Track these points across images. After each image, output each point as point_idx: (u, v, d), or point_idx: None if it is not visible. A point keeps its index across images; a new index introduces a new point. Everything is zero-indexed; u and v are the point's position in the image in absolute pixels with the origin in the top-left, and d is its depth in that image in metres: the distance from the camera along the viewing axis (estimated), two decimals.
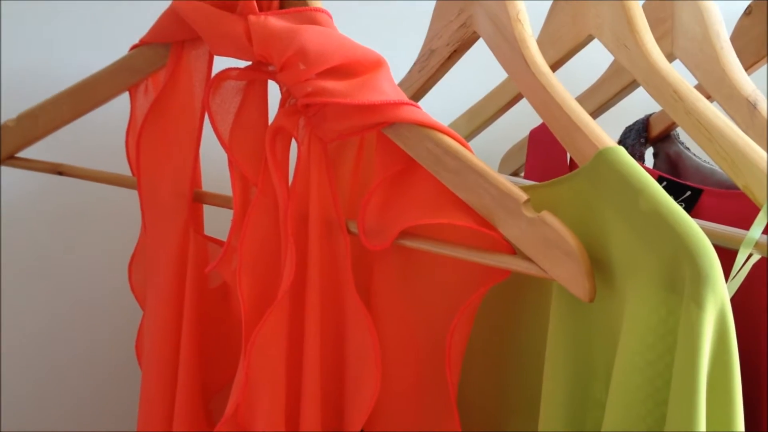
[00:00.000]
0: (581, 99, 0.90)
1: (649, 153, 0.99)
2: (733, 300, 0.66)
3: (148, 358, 0.70)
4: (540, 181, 0.91)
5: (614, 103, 0.88)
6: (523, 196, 0.55)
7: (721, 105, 0.68)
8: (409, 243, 0.59)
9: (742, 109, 0.66)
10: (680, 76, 0.64)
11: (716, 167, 0.90)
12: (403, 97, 0.58)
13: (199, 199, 0.68)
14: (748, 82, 0.67)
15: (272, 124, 0.60)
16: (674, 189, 0.78)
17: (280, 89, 0.62)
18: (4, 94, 0.89)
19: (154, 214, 0.69)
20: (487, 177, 0.56)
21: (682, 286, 0.48)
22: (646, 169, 0.84)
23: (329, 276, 0.61)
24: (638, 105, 0.96)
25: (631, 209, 0.51)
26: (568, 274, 0.53)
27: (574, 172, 0.56)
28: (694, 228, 0.48)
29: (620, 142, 0.99)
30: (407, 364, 0.62)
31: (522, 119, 0.93)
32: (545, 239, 0.54)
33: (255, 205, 0.62)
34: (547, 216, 0.54)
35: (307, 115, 0.60)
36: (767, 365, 0.66)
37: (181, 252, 0.67)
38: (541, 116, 0.61)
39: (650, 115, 0.97)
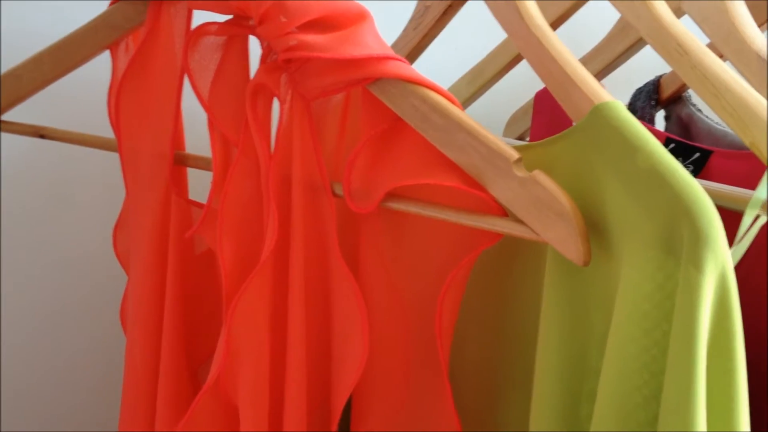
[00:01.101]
0: (587, 59, 0.86)
1: (660, 116, 0.95)
2: (740, 267, 0.63)
3: (132, 326, 0.67)
4: None
5: (621, 62, 0.84)
6: (514, 155, 0.51)
7: (730, 60, 0.64)
8: (396, 205, 0.57)
9: (752, 64, 0.62)
10: (686, 28, 0.60)
11: (729, 129, 0.86)
12: (389, 51, 0.55)
13: (180, 161, 0.65)
14: (759, 36, 0.63)
15: (252, 80, 0.57)
16: (682, 151, 0.75)
17: (261, 44, 0.59)
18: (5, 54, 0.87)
19: (134, 177, 0.66)
20: (477, 135, 0.52)
21: (681, 248, 0.45)
22: (652, 130, 0.80)
23: (314, 240, 0.59)
24: (649, 67, 0.92)
25: (628, 167, 0.48)
26: (561, 237, 0.50)
27: (570, 129, 0.53)
28: (694, 187, 0.45)
29: (630, 105, 0.96)
30: (397, 333, 0.60)
31: (529, 82, 0.90)
32: (537, 200, 0.51)
33: (236, 166, 0.59)
34: (539, 175, 0.50)
35: (288, 72, 0.57)
36: None
37: (162, 216, 0.65)
38: (537, 72, 0.57)
39: (661, 76, 0.93)
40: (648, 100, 0.95)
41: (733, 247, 0.55)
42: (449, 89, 0.93)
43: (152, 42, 0.64)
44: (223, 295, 0.59)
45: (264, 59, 0.58)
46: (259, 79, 0.57)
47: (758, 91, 0.61)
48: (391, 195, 0.57)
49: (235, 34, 0.60)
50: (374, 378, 0.60)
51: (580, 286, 0.52)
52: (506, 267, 0.62)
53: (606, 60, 0.84)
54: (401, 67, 0.54)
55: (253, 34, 0.58)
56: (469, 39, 0.95)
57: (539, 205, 0.50)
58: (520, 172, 0.51)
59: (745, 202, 0.53)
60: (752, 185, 0.57)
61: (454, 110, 0.53)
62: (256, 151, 0.58)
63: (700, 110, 0.89)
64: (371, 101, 0.56)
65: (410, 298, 0.60)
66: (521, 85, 0.93)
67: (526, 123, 0.98)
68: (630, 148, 0.48)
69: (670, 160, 0.46)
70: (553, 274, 0.53)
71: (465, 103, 0.92)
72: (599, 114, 0.51)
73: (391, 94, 0.55)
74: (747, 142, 0.53)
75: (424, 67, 0.93)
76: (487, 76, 0.86)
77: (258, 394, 0.58)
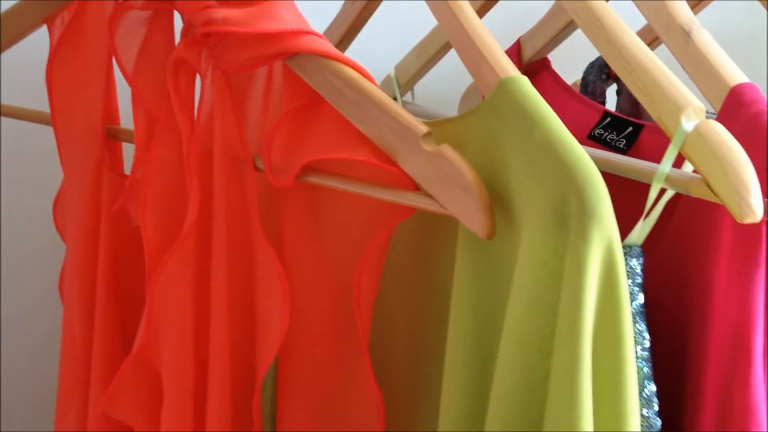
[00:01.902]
0: (533, 32, 0.87)
1: (613, 90, 0.95)
2: (658, 251, 0.64)
3: (69, 297, 0.69)
4: None
5: (565, 36, 0.85)
6: (423, 129, 0.52)
7: (660, 36, 0.65)
8: (313, 179, 0.57)
9: (677, 37, 0.63)
10: (607, 5, 0.61)
11: None
12: (305, 26, 0.56)
13: (112, 135, 0.66)
14: (684, 9, 0.63)
15: (172, 55, 0.58)
16: (617, 125, 0.75)
17: (183, 19, 0.60)
18: None
19: (68, 152, 0.67)
20: (387, 110, 0.53)
21: (571, 221, 0.46)
22: (592, 103, 0.81)
23: (237, 213, 0.59)
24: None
25: (527, 141, 0.49)
26: (466, 210, 0.51)
27: (480, 103, 0.54)
28: (584, 161, 0.46)
29: (583, 79, 0.96)
30: (320, 305, 0.61)
31: None
32: (444, 174, 0.51)
33: (158, 139, 0.60)
34: (446, 149, 0.51)
35: (208, 46, 0.57)
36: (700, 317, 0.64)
37: (94, 190, 0.66)
38: (454, 47, 0.58)
39: None
40: (599, 74, 0.95)
41: (643, 221, 0.56)
42: (399, 64, 0.94)
43: (82, 16, 0.64)
44: (146, 267, 0.60)
45: (185, 33, 0.59)
46: (180, 54, 0.58)
47: (681, 64, 0.62)
48: (310, 169, 0.57)
49: (159, 8, 0.60)
50: (299, 350, 0.62)
51: (489, 259, 0.53)
52: (431, 241, 0.63)
53: (550, 34, 0.84)
54: (316, 42, 0.55)
55: (174, 8, 0.59)
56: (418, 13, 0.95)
57: (446, 178, 0.51)
58: (428, 147, 0.52)
59: (652, 175, 0.53)
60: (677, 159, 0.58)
61: (367, 85, 0.54)
62: (179, 125, 0.59)
63: None
64: (291, 76, 0.57)
65: (332, 272, 0.61)
66: None
67: (478, 98, 0.98)
68: (529, 122, 0.49)
69: (563, 135, 0.47)
70: (463, 247, 0.54)
71: (415, 77, 0.92)
72: (504, 88, 0.52)
73: (308, 69, 0.56)
74: (654, 117, 0.54)
75: (372, 42, 0.94)
76: (431, 52, 0.86)
77: (181, 364, 0.60)
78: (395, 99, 0.96)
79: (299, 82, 0.57)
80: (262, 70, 0.61)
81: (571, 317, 0.45)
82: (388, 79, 0.96)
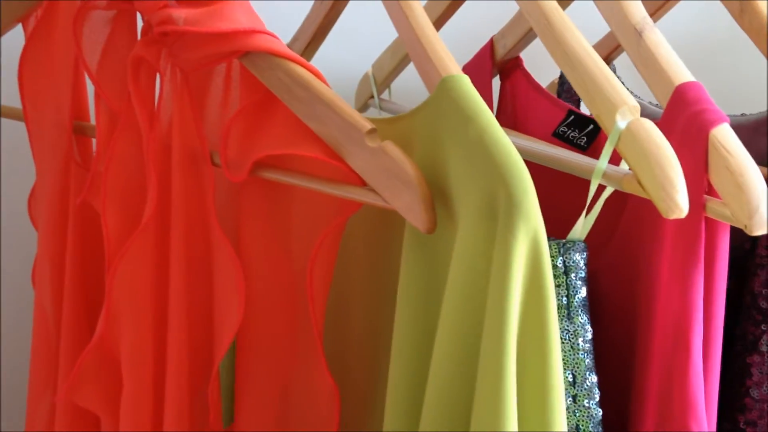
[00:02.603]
0: (505, 31, 0.88)
1: None
2: (607, 251, 0.65)
3: (39, 289, 0.71)
4: None
5: (534, 36, 0.86)
6: (366, 126, 0.54)
7: (616, 34, 0.66)
8: (267, 175, 0.59)
9: (630, 37, 0.64)
10: (556, 5, 0.62)
11: (644, 101, 0.88)
12: (259, 25, 0.57)
13: (80, 131, 0.68)
14: (638, 9, 0.64)
15: (132, 53, 0.60)
16: (579, 123, 0.77)
17: (143, 19, 0.61)
18: None
19: (39, 146, 0.69)
20: (334, 107, 0.55)
21: (499, 214, 0.47)
22: (560, 102, 0.82)
23: (194, 207, 0.61)
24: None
25: (463, 138, 0.50)
26: (408, 204, 0.52)
27: (425, 101, 0.55)
28: (513, 157, 0.47)
29: (560, 77, 0.97)
30: (276, 299, 0.63)
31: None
32: (386, 169, 0.53)
33: (119, 134, 0.62)
34: (388, 146, 0.53)
35: (166, 45, 0.59)
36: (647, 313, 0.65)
37: (63, 184, 0.68)
38: (406, 46, 0.60)
39: None
40: None
41: (585, 217, 0.57)
42: (376, 62, 0.96)
43: (53, 13, 0.66)
44: (106, 258, 0.62)
45: (144, 33, 0.61)
46: (139, 52, 0.60)
47: (634, 63, 0.63)
48: (264, 165, 0.59)
49: (122, 9, 0.62)
50: (256, 342, 0.63)
51: (432, 253, 0.55)
52: (384, 236, 0.64)
53: (519, 34, 0.85)
54: (268, 41, 0.57)
55: (134, 8, 0.61)
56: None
57: (388, 174, 0.53)
58: (371, 143, 0.54)
59: (591, 171, 0.55)
60: None
61: (316, 83, 0.56)
62: (138, 121, 0.61)
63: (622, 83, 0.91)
64: (247, 74, 0.59)
65: (287, 265, 0.62)
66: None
67: None
68: (464, 119, 0.50)
69: (495, 132, 0.49)
70: (408, 241, 0.56)
71: (391, 74, 0.94)
72: (444, 86, 0.53)
73: (260, 68, 0.58)
74: (594, 115, 0.55)
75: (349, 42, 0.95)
76: (404, 50, 0.88)
77: (139, 352, 0.62)
78: (372, 97, 0.97)
79: (254, 80, 0.59)
80: (221, 68, 0.62)
81: (497, 310, 0.46)
82: (366, 77, 0.98)
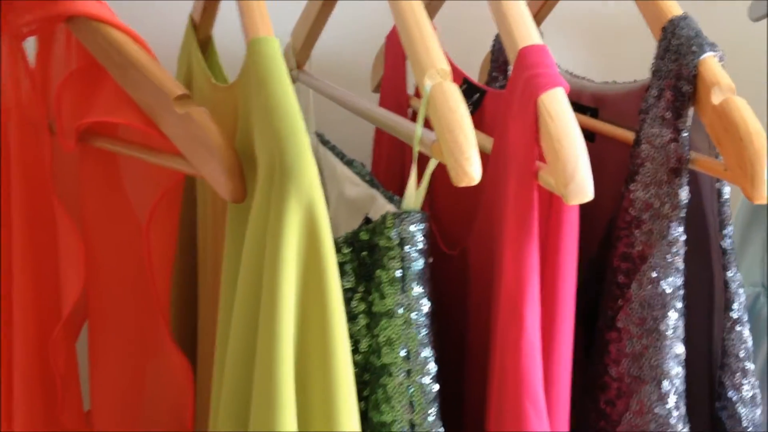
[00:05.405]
0: None
1: None
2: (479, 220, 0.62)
3: None
4: (391, 89, 0.88)
5: None
6: (175, 92, 0.52)
7: None
8: (97, 143, 0.58)
9: None
10: None
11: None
12: None
13: None
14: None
15: None
16: (471, 91, 0.74)
17: None
18: None
19: None
20: (146, 72, 0.53)
21: (275, 179, 0.45)
22: (461, 72, 0.79)
23: (33, 176, 0.60)
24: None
25: (257, 102, 0.49)
26: (213, 173, 0.51)
27: (243, 65, 0.53)
28: (290, 121, 0.45)
29: (492, 46, 0.94)
30: (121, 270, 0.62)
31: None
32: (194, 136, 0.51)
33: None
34: (195, 112, 0.51)
35: (1, 14, 0.58)
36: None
37: None
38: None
39: None
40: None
41: (409, 186, 0.54)
42: (293, 29, 0.93)
43: None
44: None
45: None
46: None
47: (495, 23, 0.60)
48: (96, 133, 0.58)
49: None
50: (104, 308, 0.63)
51: (246, 221, 0.53)
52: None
53: None
54: (90, 6, 0.55)
55: None
56: None
57: (196, 141, 0.51)
58: (180, 109, 0.52)
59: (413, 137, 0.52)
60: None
61: (131, 47, 0.54)
62: None
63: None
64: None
65: (130, 235, 0.61)
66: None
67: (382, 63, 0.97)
68: (258, 83, 0.48)
69: (281, 96, 0.47)
70: (229, 210, 0.54)
71: (305, 42, 0.91)
72: (251, 50, 0.51)
73: (83, 32, 0.56)
74: (416, 79, 0.52)
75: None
76: (313, 13, 0.85)
77: None
78: (293, 69, 0.95)
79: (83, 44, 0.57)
80: (61, 35, 0.61)
81: (271, 272, 0.45)
82: (287, 46, 0.96)
